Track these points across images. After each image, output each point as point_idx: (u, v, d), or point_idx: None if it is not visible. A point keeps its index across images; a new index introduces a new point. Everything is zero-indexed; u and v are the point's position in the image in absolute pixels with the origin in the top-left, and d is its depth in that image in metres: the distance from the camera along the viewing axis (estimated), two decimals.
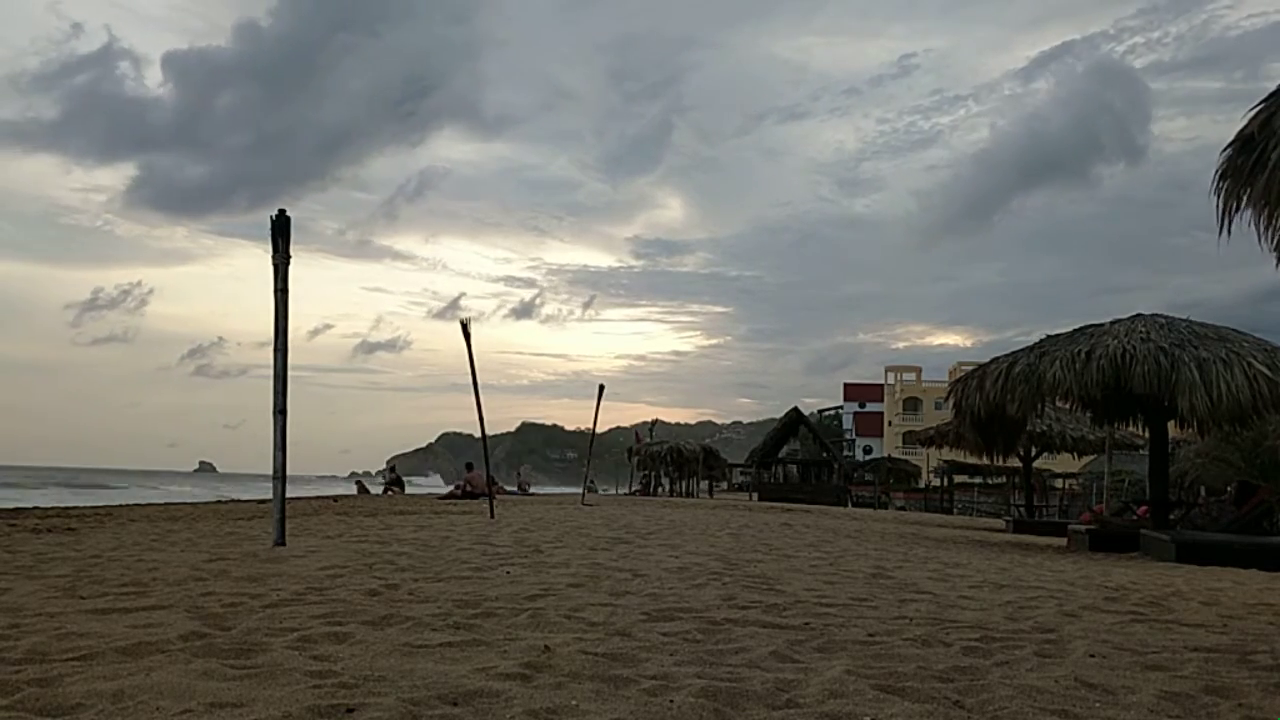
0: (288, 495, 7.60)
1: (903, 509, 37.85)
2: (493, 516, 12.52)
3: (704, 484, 47.47)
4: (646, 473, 47.13)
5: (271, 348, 7.54)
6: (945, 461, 36.92)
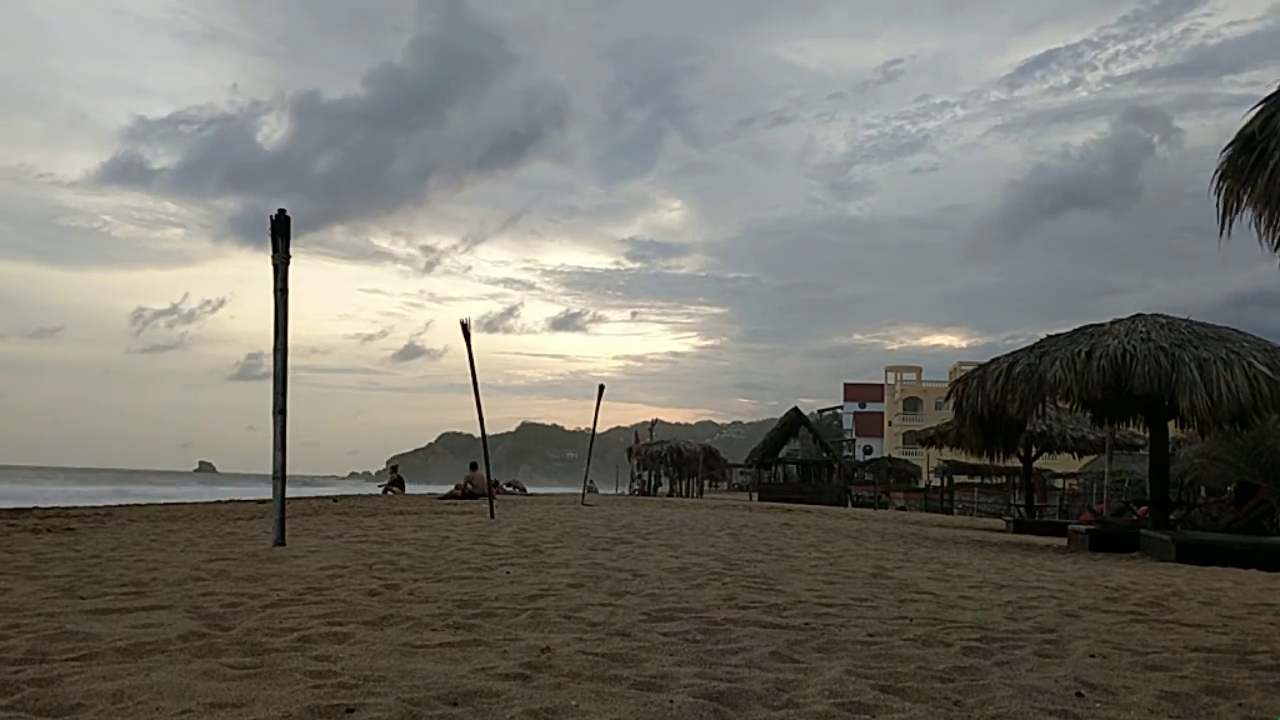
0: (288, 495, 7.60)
1: (903, 509, 37.82)
2: (493, 516, 12.52)
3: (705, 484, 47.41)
4: (645, 473, 47.10)
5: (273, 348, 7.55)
6: (945, 461, 36.92)
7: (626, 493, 45.24)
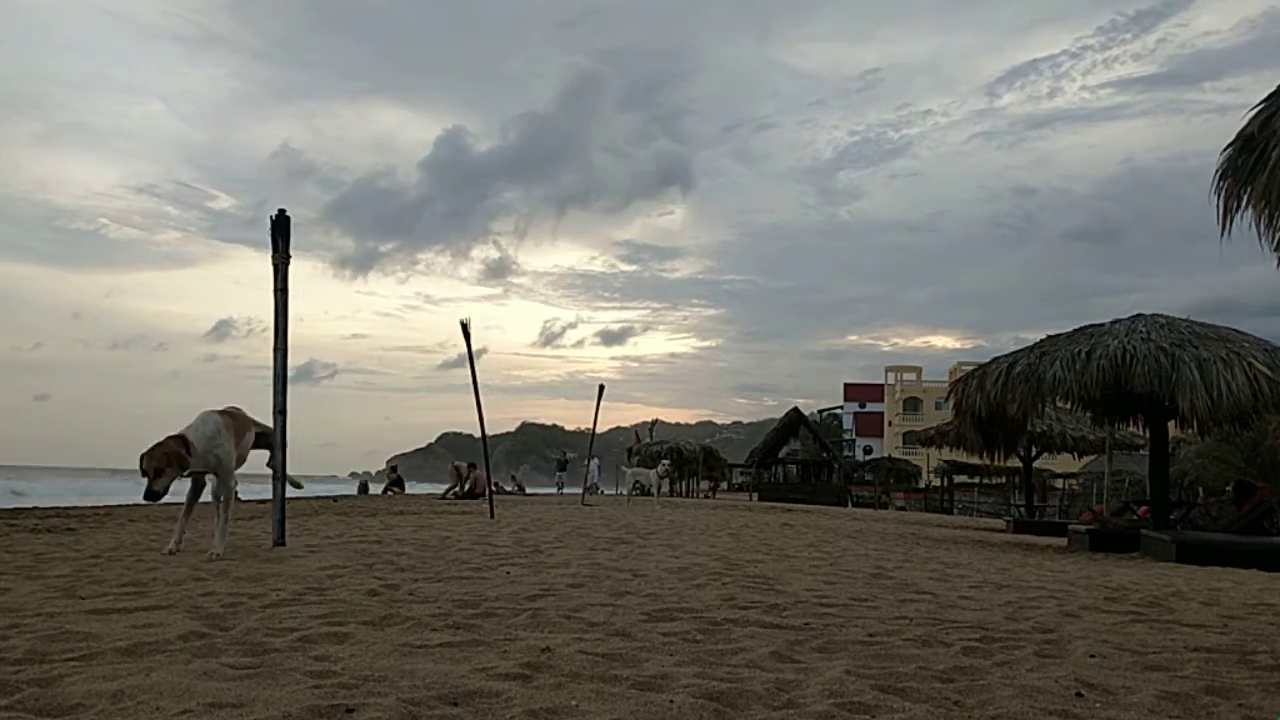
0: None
1: (903, 509, 37.83)
2: (493, 516, 12.52)
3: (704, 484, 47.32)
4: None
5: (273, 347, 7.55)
6: (945, 461, 36.92)
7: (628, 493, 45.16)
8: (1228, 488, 16.36)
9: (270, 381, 7.42)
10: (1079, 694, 2.94)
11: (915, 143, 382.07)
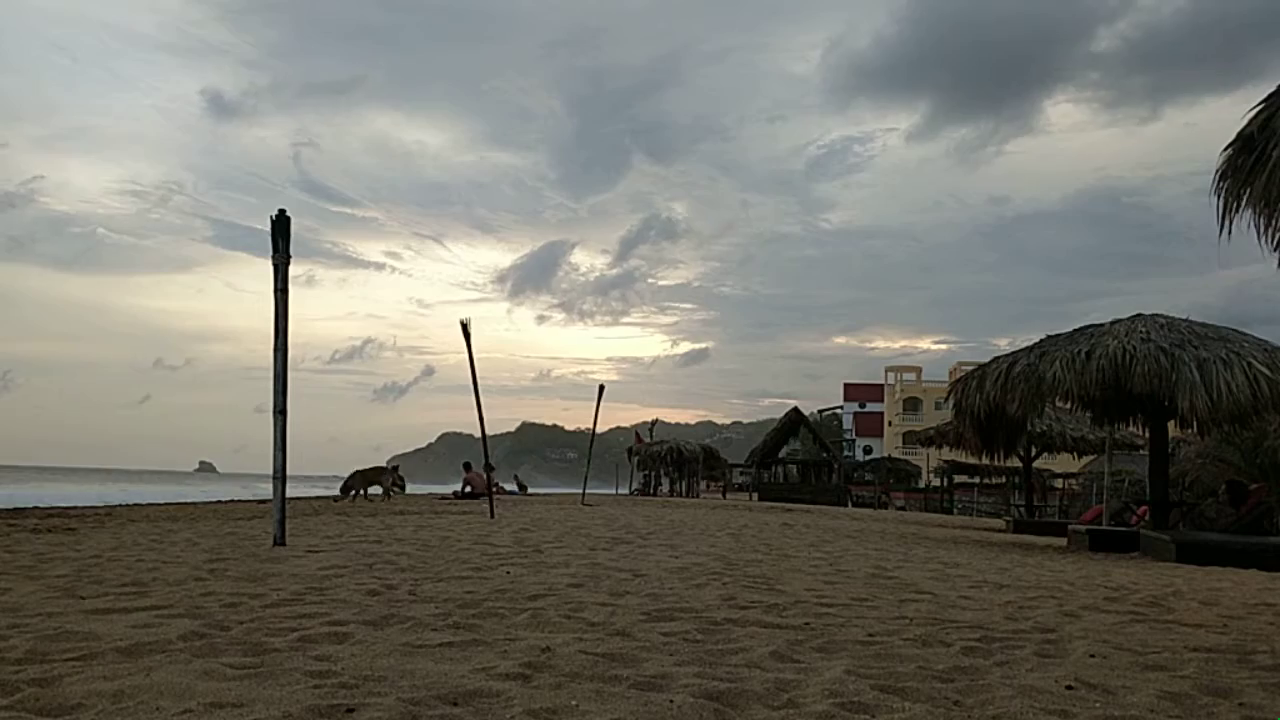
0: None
1: (903, 509, 37.81)
2: (493, 516, 12.52)
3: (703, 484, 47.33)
4: (645, 472, 47.04)
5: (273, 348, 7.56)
6: (945, 461, 36.88)
7: (629, 492, 45.17)
8: (1220, 488, 16.34)
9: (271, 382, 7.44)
10: (1069, 687, 2.96)
11: (880, 156, 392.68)
